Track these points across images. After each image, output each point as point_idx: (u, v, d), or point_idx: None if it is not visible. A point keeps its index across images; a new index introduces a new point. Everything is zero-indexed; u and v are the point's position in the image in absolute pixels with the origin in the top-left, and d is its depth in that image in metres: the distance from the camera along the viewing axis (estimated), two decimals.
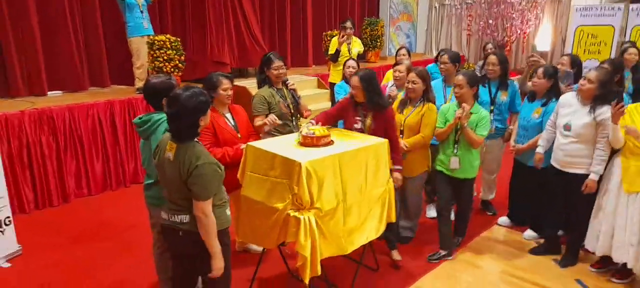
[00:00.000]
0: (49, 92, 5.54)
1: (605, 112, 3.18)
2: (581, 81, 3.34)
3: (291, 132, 3.58)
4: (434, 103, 3.63)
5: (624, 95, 3.75)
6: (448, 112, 3.57)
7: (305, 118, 3.78)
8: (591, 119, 3.25)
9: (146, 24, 5.55)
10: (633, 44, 5.09)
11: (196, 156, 2.22)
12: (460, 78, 3.45)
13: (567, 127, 3.36)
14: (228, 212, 2.47)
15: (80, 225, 4.35)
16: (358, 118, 3.39)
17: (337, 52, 5.75)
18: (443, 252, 3.71)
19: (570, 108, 3.39)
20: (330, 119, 3.41)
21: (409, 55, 5.10)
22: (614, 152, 3.31)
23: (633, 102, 3.90)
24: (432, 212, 4.40)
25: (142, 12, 5.52)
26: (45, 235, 4.16)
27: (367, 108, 3.38)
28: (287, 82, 3.69)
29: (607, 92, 3.24)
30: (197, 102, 2.22)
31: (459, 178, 3.60)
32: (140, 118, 2.77)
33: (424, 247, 3.83)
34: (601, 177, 3.34)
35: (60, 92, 5.71)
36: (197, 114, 2.24)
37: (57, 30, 5.54)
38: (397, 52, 5.18)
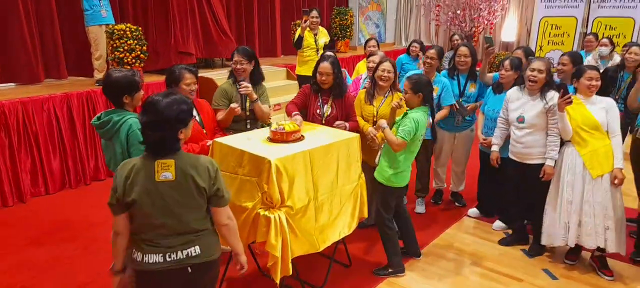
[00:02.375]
0: (0, 85, 5.21)
1: (553, 97, 3.33)
2: (532, 73, 3.37)
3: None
4: (400, 91, 3.59)
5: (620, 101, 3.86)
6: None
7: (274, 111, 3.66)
8: (542, 107, 3.35)
9: (105, 12, 5.27)
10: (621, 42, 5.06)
11: (205, 159, 1.99)
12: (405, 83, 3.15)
13: (520, 120, 3.45)
14: None
15: (38, 226, 4.13)
16: (318, 104, 3.46)
17: (300, 38, 5.69)
18: (390, 269, 3.39)
19: (518, 101, 3.49)
20: (296, 109, 3.43)
21: (378, 46, 5.05)
22: (564, 143, 3.39)
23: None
24: (420, 208, 4.41)
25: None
26: (1, 236, 3.91)
27: (328, 94, 3.46)
28: (242, 82, 3.35)
29: (551, 79, 3.44)
30: (178, 111, 1.91)
31: (376, 179, 3.28)
32: (98, 118, 2.57)
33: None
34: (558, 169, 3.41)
35: (13, 84, 5.37)
36: (177, 126, 1.92)
37: (8, 16, 5.17)
38: (366, 44, 5.12)
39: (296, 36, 5.79)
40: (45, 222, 4.19)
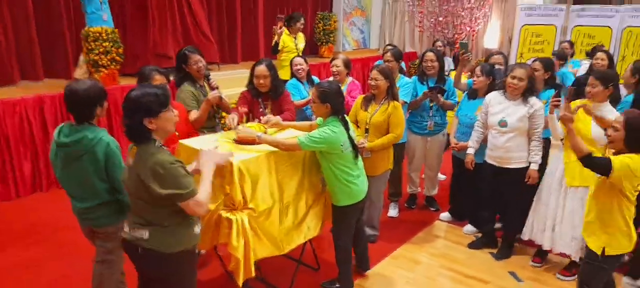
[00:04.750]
0: None
1: (535, 103, 3.37)
2: (512, 81, 3.39)
3: (214, 130, 3.49)
4: (398, 100, 3.54)
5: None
6: None
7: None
8: (525, 111, 3.38)
9: (105, 16, 5.27)
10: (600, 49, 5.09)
11: (153, 161, 1.99)
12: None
13: (503, 124, 3.45)
14: (197, 229, 2.23)
15: (7, 230, 4.06)
16: (260, 109, 3.46)
17: (276, 44, 5.74)
18: (338, 285, 3.26)
19: (500, 105, 3.49)
20: (241, 116, 3.35)
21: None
22: (549, 147, 3.43)
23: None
24: (393, 212, 4.42)
25: (101, 3, 5.23)
26: None
27: (267, 97, 3.48)
28: (210, 77, 3.47)
29: (532, 85, 3.45)
30: (144, 100, 2.00)
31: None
32: (64, 134, 2.43)
33: (385, 246, 3.85)
34: (542, 171, 3.46)
35: None
36: (142, 114, 2.00)
37: None
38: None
39: (273, 43, 5.84)
40: (14, 226, 4.13)
